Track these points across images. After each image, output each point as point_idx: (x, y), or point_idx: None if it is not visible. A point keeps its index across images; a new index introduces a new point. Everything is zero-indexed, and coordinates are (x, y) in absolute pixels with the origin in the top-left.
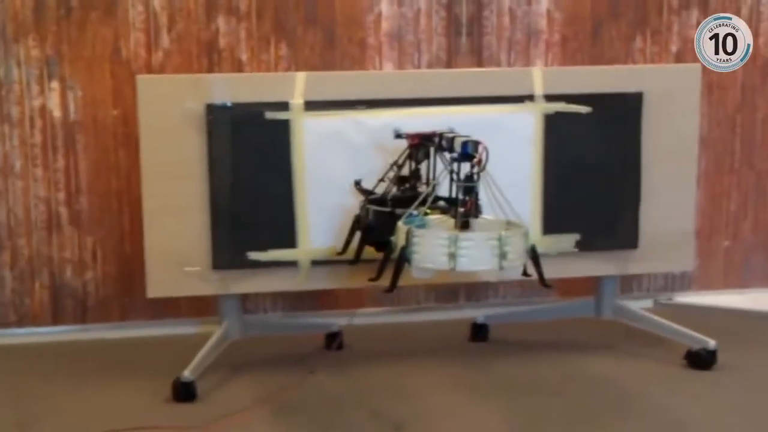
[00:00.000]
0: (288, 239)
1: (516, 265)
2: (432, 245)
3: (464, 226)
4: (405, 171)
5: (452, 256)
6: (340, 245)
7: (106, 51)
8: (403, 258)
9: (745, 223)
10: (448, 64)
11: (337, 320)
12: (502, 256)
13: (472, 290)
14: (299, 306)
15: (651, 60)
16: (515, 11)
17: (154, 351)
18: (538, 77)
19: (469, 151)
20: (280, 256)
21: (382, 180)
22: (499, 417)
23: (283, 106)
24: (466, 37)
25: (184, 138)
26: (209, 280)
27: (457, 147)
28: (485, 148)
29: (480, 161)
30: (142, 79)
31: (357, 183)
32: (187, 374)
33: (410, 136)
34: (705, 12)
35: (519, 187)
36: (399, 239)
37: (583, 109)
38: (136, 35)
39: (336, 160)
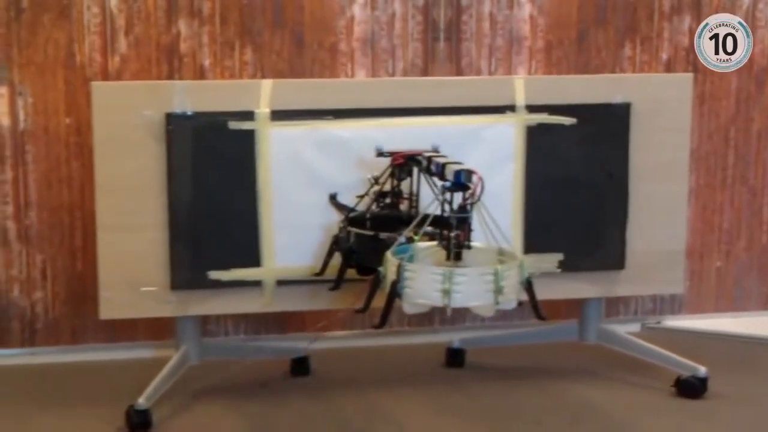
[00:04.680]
0: (252, 258)
1: (511, 298)
2: (425, 281)
3: (456, 257)
4: (385, 187)
5: (446, 292)
6: (307, 264)
7: (59, 55)
8: (395, 293)
9: (739, 242)
10: (425, 72)
11: (303, 344)
12: (498, 291)
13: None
14: (264, 329)
15: (640, 69)
16: (496, 16)
17: (107, 376)
18: (520, 86)
19: (462, 181)
20: (244, 275)
21: (361, 197)
22: None
23: (248, 115)
24: (443, 42)
25: (142, 149)
26: (167, 301)
27: (450, 175)
28: (480, 179)
29: (474, 192)
30: (97, 86)
31: (332, 197)
32: (142, 401)
33: (394, 155)
34: (698, 18)
35: (499, 203)
36: (389, 272)
37: (568, 120)
38: (91, 39)
39: (304, 174)
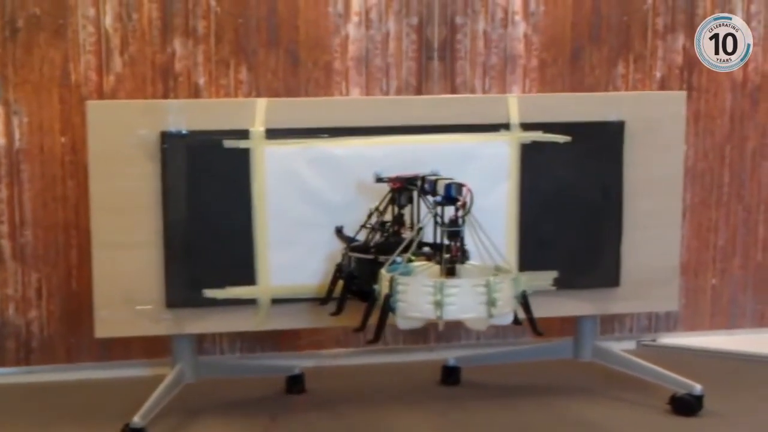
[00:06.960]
0: (247, 276)
1: (505, 312)
2: (417, 293)
3: (450, 272)
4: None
5: (438, 304)
6: (303, 282)
7: (54, 74)
8: (388, 307)
9: (734, 259)
10: (419, 91)
11: (298, 362)
12: (491, 303)
13: (443, 330)
14: (259, 347)
15: (634, 87)
16: (490, 34)
17: (102, 395)
18: (514, 105)
19: (452, 194)
20: (239, 293)
21: (364, 226)
22: None
23: (243, 134)
24: (438, 61)
25: (137, 167)
26: (162, 320)
27: (440, 190)
28: (470, 191)
29: (464, 204)
30: (93, 105)
31: (339, 230)
32: (137, 420)
33: (392, 180)
34: (691, 36)
35: (493, 220)
36: (382, 287)
37: (562, 138)
38: (86, 58)
39: (299, 192)
